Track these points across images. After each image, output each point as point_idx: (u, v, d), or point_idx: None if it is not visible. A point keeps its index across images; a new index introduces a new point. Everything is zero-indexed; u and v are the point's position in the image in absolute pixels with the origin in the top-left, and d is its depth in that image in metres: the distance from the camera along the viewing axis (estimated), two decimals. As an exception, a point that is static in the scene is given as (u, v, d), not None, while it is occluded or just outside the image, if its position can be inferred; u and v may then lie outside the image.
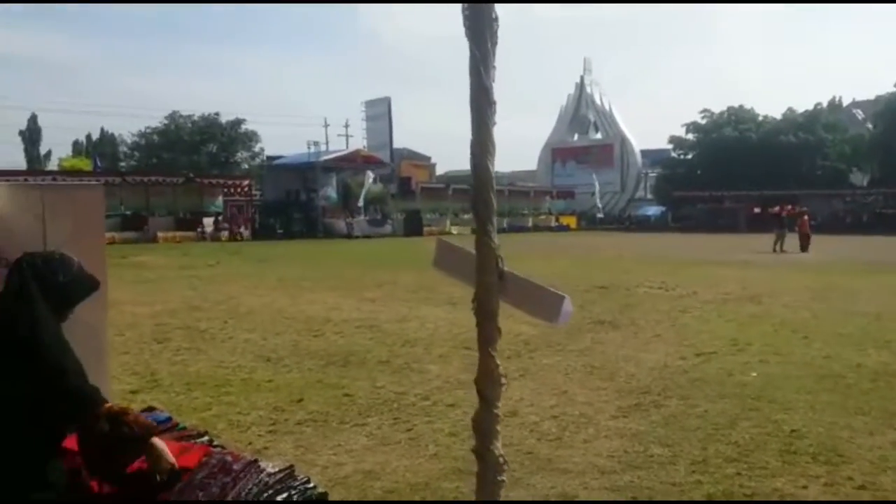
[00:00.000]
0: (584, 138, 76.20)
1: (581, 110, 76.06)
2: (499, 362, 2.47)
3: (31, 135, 75.28)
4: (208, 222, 37.62)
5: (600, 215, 63.90)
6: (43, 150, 75.17)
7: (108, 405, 2.48)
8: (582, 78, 75.53)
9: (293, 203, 44.09)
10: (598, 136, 75.44)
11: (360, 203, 45.50)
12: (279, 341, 9.11)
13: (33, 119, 75.30)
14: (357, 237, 39.41)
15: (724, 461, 4.85)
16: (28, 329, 2.34)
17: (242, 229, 38.64)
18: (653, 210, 68.57)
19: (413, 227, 43.26)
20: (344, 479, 4.54)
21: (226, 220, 39.18)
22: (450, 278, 2.74)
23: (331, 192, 47.36)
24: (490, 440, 2.46)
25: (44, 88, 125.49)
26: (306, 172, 45.48)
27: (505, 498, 2.60)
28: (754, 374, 7.30)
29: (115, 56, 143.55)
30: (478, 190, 2.49)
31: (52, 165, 63.27)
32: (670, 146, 68.95)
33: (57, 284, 2.53)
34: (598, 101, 75.27)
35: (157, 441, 2.49)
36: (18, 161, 65.40)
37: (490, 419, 2.48)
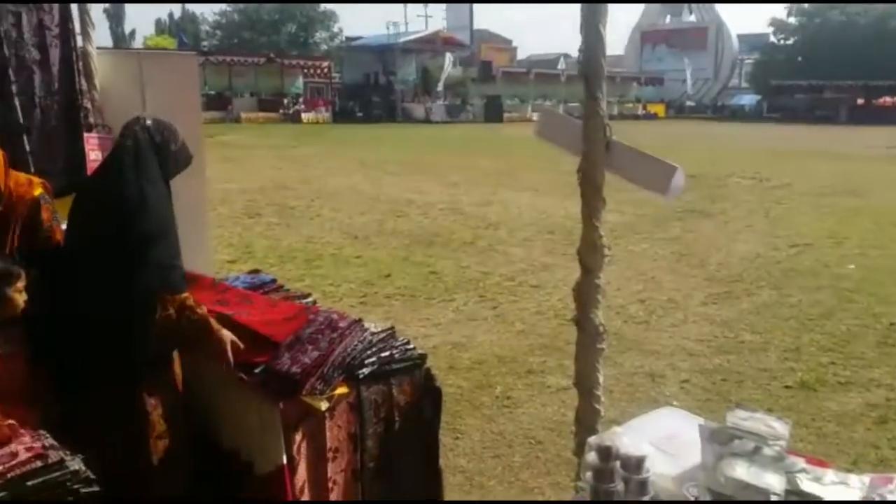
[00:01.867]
0: (677, 21, 71.58)
1: (675, -10, 71.19)
2: (602, 233, 2.42)
3: (116, 13, 75.93)
4: (290, 103, 37.92)
5: (690, 103, 61.01)
6: (127, 30, 76.03)
7: (183, 295, 2.42)
8: (678, -45, 70.24)
9: (372, 86, 43.71)
10: (692, 18, 70.77)
11: (440, 87, 44.72)
12: (365, 220, 9.28)
13: (117, -4, 75.85)
14: (436, 122, 39.05)
15: (818, 350, 4.75)
16: (138, 196, 2.36)
17: (322, 111, 38.75)
18: (747, 99, 64.77)
19: (493, 113, 42.38)
20: (433, 350, 4.66)
21: (304, 101, 39.35)
22: (554, 147, 2.64)
23: (410, 75, 46.62)
24: (590, 308, 2.44)
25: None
26: (385, 54, 44.71)
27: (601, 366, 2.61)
28: (852, 267, 7.02)
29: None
30: (587, 55, 2.35)
31: (137, 44, 64.14)
32: (770, 30, 64.13)
33: (169, 153, 2.54)
34: (694, -20, 70.14)
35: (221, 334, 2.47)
36: (104, 40, 66.41)
37: (591, 288, 2.45)
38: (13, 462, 1.88)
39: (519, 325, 5.26)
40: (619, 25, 74.04)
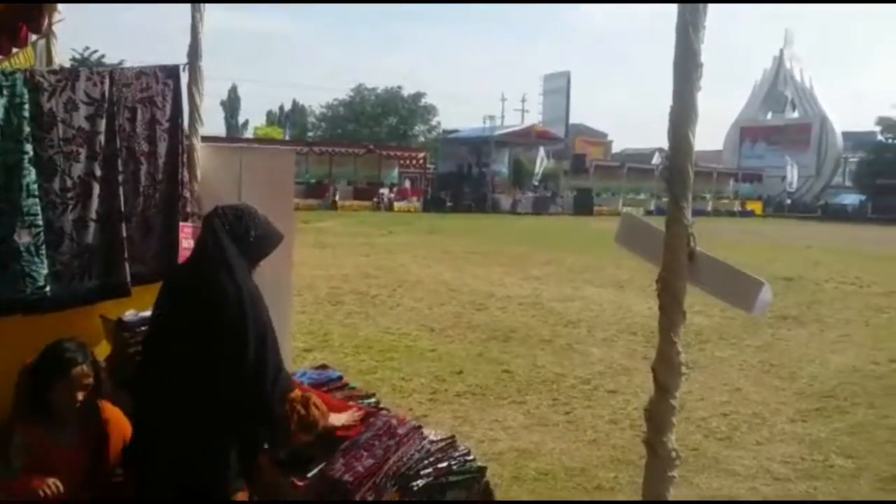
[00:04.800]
0: (779, 117, 70.19)
1: (777, 86, 70.03)
2: (680, 349, 2.33)
3: (232, 104, 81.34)
4: (384, 192, 39.27)
5: (789, 201, 59.20)
6: (241, 120, 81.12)
7: (293, 394, 2.49)
8: (781, 51, 69.46)
9: (464, 177, 44.82)
10: (795, 115, 69.37)
11: (536, 181, 45.23)
12: (443, 312, 9.33)
13: (234, 90, 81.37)
14: (523, 214, 39.30)
15: (920, 482, 4.36)
16: (235, 298, 2.38)
17: (414, 200, 39.81)
18: (850, 199, 62.27)
19: (583, 205, 42.35)
20: (498, 456, 4.57)
21: (398, 191, 40.64)
22: (632, 256, 2.60)
23: (502, 167, 47.56)
24: (664, 432, 2.32)
25: (244, 59, 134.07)
26: (480, 146, 45.96)
27: (670, 496, 2.47)
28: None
29: (312, 29, 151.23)
30: (674, 160, 2.32)
31: (248, 134, 68.16)
32: (878, 129, 62.05)
33: (249, 240, 2.57)
34: (797, 78, 68.97)
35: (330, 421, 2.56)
36: (219, 129, 70.73)
37: (666, 409, 2.32)
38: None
39: (591, 434, 5.09)
40: (717, 121, 72.98)
